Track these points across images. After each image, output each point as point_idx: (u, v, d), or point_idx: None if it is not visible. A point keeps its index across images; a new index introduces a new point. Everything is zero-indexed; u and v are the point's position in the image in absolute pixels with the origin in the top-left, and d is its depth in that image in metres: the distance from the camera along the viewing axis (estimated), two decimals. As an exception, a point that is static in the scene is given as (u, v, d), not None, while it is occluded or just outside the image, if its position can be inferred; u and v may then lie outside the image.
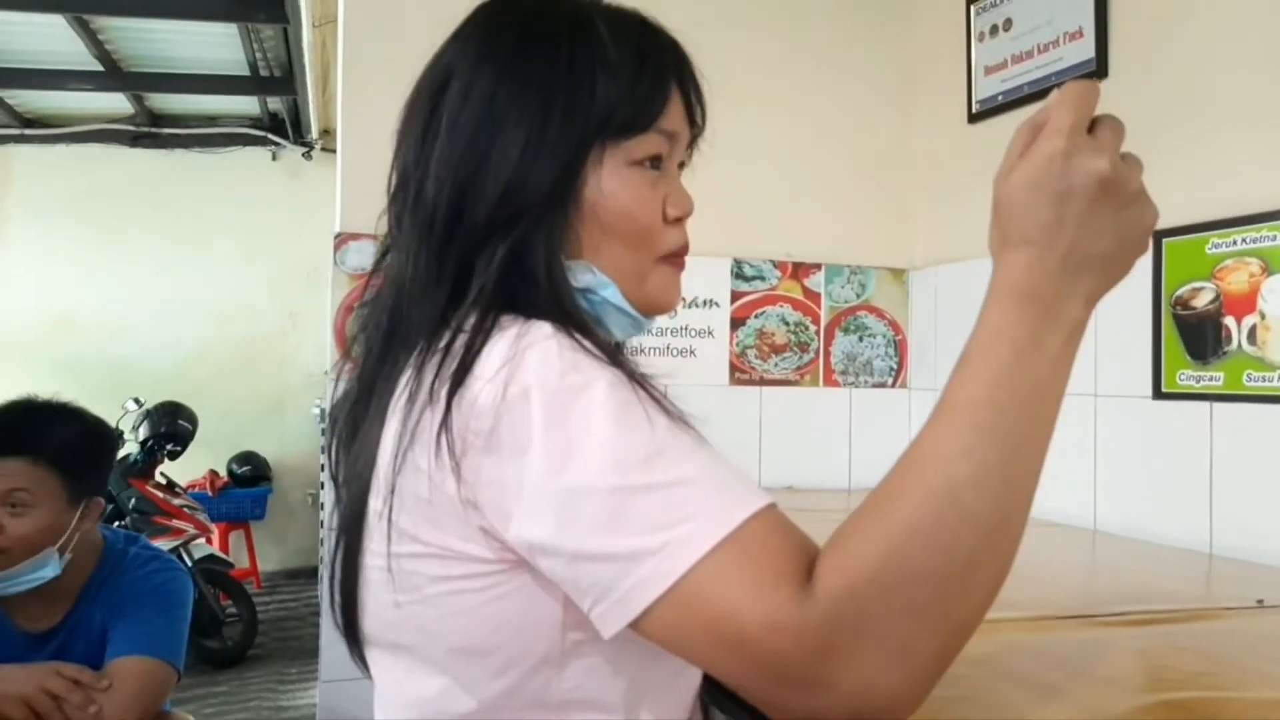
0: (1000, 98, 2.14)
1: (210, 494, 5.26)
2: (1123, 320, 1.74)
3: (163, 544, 4.04)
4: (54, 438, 1.48)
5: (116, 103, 5.39)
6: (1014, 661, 0.86)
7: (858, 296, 2.42)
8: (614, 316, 0.73)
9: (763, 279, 2.34)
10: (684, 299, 2.27)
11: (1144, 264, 1.73)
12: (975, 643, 0.92)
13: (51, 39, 4.40)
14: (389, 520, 0.63)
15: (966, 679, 0.83)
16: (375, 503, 0.64)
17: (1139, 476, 1.74)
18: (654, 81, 0.72)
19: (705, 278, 2.30)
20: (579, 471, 0.55)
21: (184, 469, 4.98)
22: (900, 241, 2.46)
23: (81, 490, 1.50)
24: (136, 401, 4.75)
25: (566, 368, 0.59)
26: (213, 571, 4.33)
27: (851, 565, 0.51)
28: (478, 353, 0.61)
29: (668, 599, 0.53)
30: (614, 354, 0.64)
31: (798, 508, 2.12)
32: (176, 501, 4.44)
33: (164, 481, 4.60)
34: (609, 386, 0.59)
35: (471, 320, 0.64)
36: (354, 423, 0.72)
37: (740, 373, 2.33)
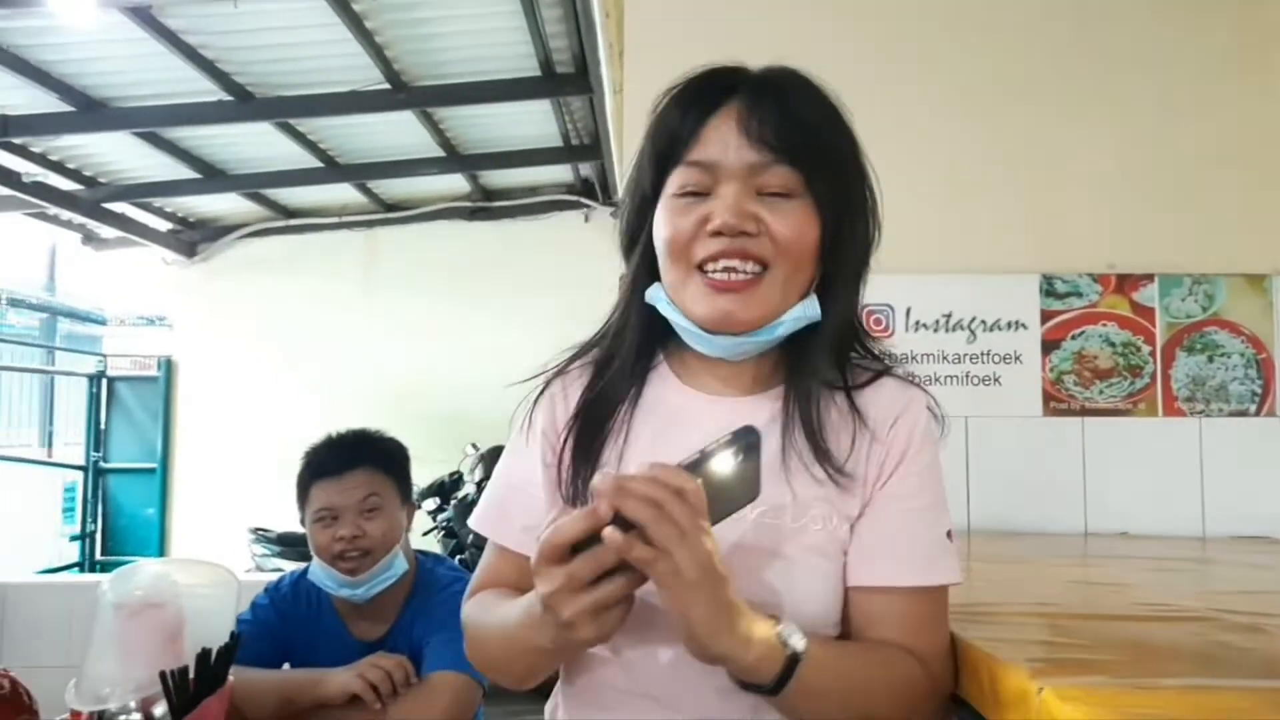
0: (1386, 55, 1.75)
1: (537, 532, 5.65)
2: None
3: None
4: (383, 449, 1.74)
5: (456, 183, 6.14)
6: None
7: (1204, 310, 2.07)
8: (682, 329, 0.88)
9: (1079, 295, 2.08)
10: (984, 321, 2.08)
11: None
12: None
13: (404, 134, 5.13)
14: None
15: None
16: None
17: None
18: (681, 119, 0.85)
19: (1006, 296, 2.08)
20: None
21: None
22: (1257, 241, 2.07)
23: (406, 494, 1.74)
24: (474, 446, 5.26)
25: None
26: (537, 604, 4.64)
27: None
28: None
29: None
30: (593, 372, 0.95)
31: (1136, 556, 1.81)
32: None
33: (497, 519, 5.03)
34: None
35: None
36: None
37: (1057, 402, 2.07)
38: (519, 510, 0.93)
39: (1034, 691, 0.79)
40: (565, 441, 0.91)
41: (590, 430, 0.90)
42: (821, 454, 0.86)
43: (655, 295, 0.88)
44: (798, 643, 0.75)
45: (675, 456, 0.72)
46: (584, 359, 0.97)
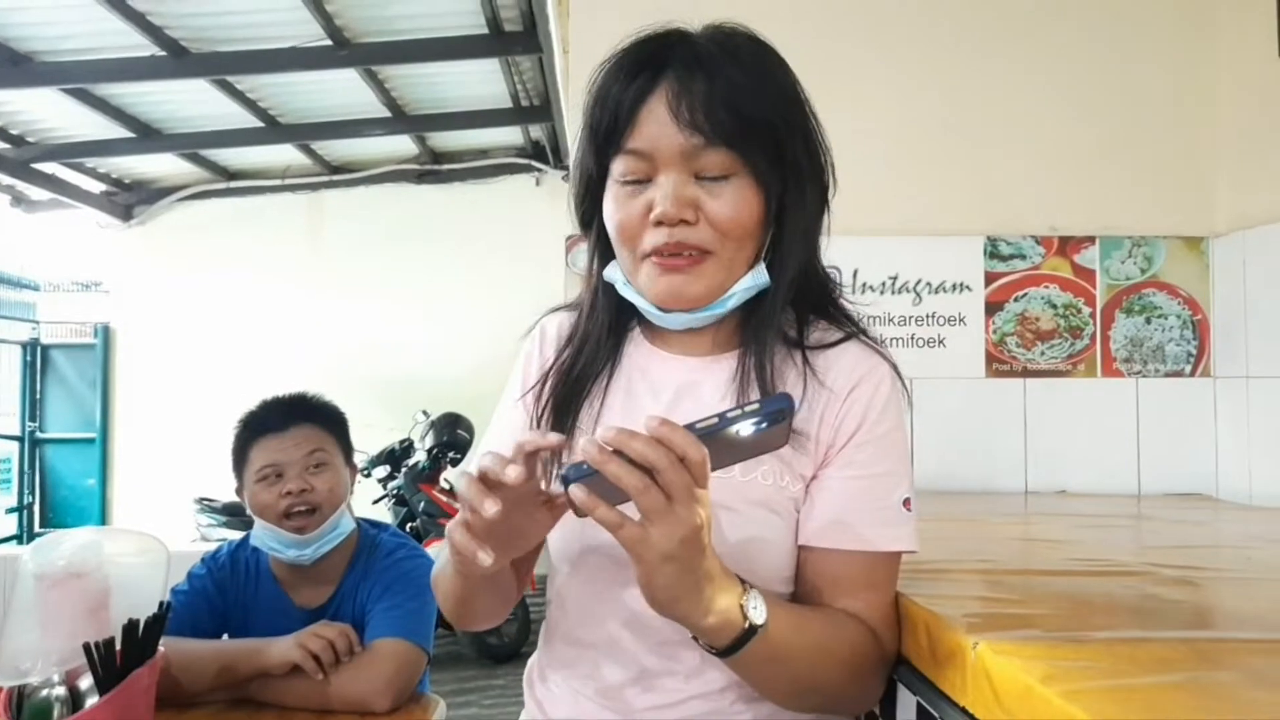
0: (1322, 19, 1.77)
1: (489, 500, 5.63)
2: None
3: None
4: (324, 408, 1.71)
5: (403, 145, 6.01)
6: None
7: (1142, 272, 2.10)
8: (640, 307, 0.90)
9: (1022, 257, 2.10)
10: (929, 283, 2.09)
11: None
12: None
13: (349, 93, 4.98)
14: None
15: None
16: None
17: None
18: (615, 103, 0.84)
19: (951, 258, 2.10)
20: None
21: (466, 476, 5.38)
22: (1195, 204, 2.11)
23: (348, 455, 1.71)
24: (424, 413, 5.20)
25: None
26: (489, 571, 4.64)
27: None
28: None
29: None
30: (575, 333, 0.96)
31: (1074, 513, 1.84)
32: (459, 505, 4.81)
33: (448, 487, 4.99)
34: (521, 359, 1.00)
35: None
36: None
37: (999, 363, 2.10)
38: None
39: (969, 646, 0.79)
40: (545, 403, 0.93)
41: (566, 397, 0.92)
42: None
43: (613, 275, 0.91)
44: (758, 617, 0.75)
45: (645, 415, 0.71)
46: (569, 310, 1.01)
